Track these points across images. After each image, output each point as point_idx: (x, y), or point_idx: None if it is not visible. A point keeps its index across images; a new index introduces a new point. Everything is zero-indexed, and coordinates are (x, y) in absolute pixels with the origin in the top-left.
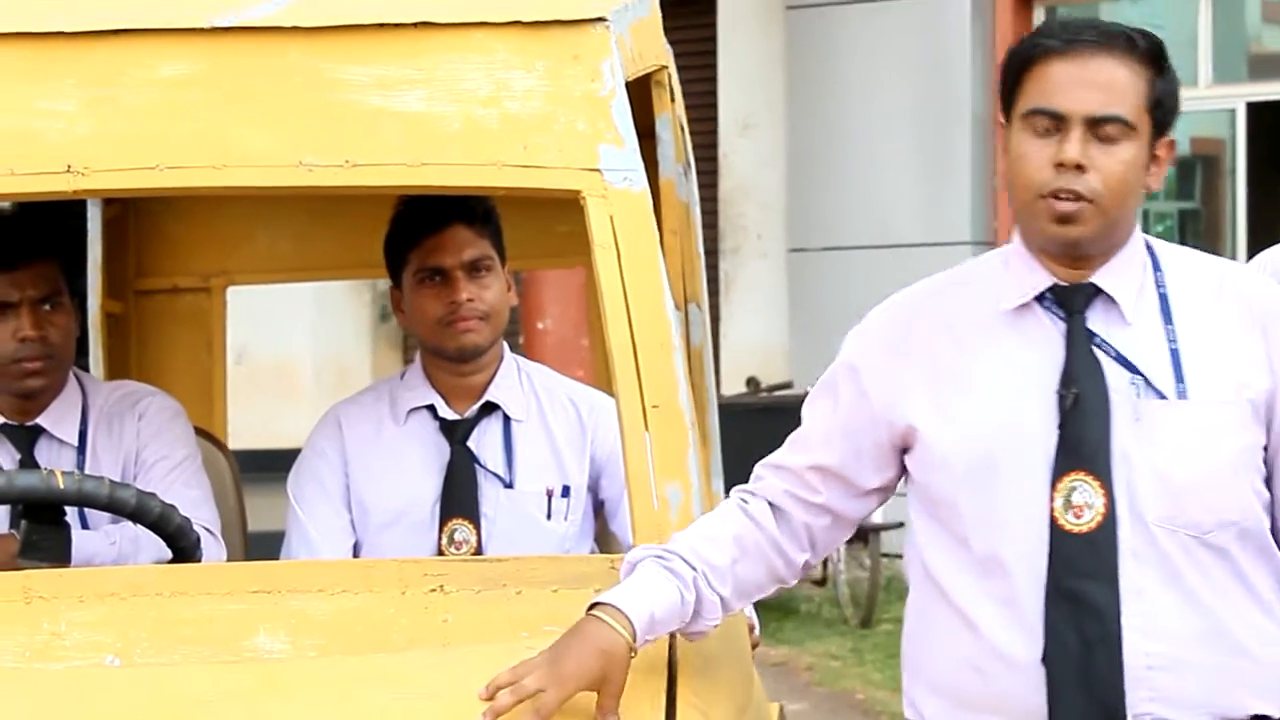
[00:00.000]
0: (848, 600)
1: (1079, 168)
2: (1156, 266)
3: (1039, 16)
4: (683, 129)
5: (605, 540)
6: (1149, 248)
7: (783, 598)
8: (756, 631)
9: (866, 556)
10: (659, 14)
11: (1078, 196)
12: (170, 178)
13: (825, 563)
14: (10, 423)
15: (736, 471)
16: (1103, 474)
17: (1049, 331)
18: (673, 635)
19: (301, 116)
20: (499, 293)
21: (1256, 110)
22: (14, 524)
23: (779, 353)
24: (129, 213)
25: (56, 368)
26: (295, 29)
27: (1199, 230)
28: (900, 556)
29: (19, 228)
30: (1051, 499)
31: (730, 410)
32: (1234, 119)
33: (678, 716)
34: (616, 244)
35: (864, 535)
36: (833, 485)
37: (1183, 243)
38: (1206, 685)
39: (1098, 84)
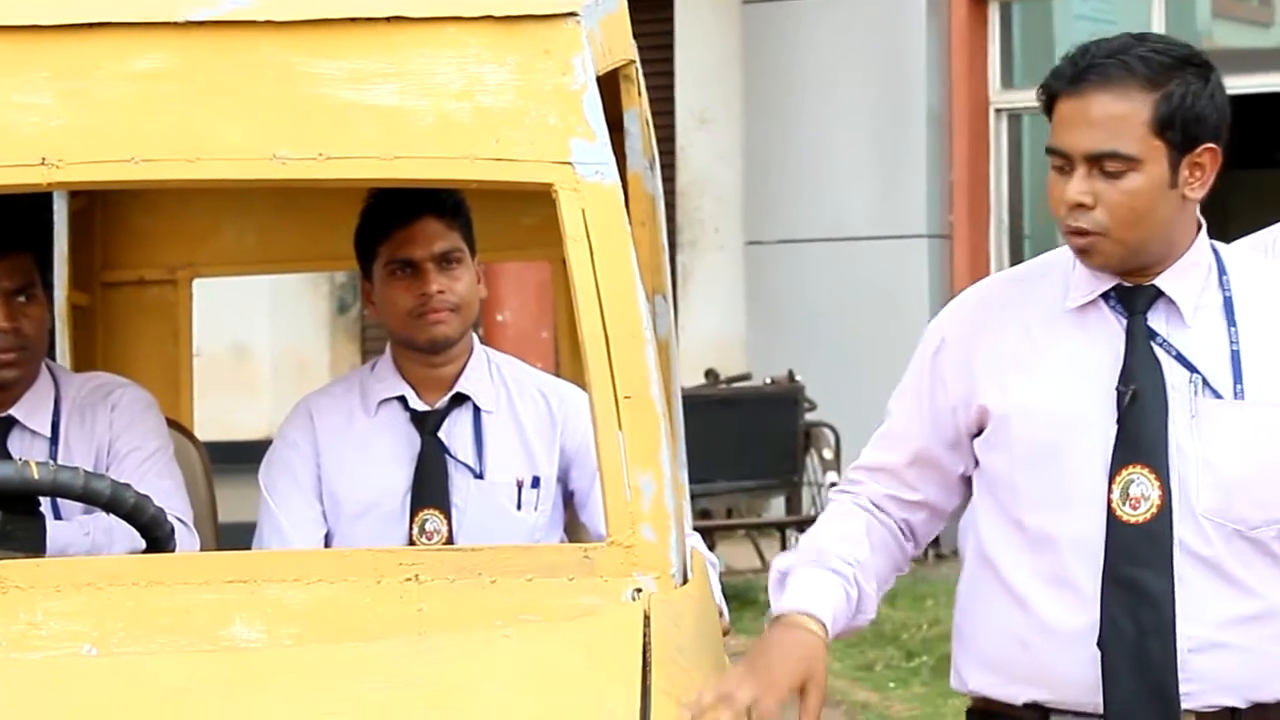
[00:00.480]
0: None
1: (1081, 205)
2: (1222, 270)
3: (994, 13)
4: (648, 123)
5: (574, 530)
6: (1215, 253)
7: (742, 588)
8: (726, 619)
9: None
10: (626, 9)
11: (1085, 232)
12: (144, 170)
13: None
14: None
15: (696, 462)
16: (1160, 468)
17: (1112, 329)
18: (646, 622)
19: (274, 110)
20: (469, 285)
21: None
22: None
23: (736, 344)
24: (95, 205)
25: (30, 359)
26: (268, 23)
27: None
28: None
29: None
30: (1110, 490)
31: (690, 402)
32: None
33: (652, 705)
34: (588, 236)
35: None
36: (929, 478)
37: None
38: (1242, 669)
39: (1095, 122)
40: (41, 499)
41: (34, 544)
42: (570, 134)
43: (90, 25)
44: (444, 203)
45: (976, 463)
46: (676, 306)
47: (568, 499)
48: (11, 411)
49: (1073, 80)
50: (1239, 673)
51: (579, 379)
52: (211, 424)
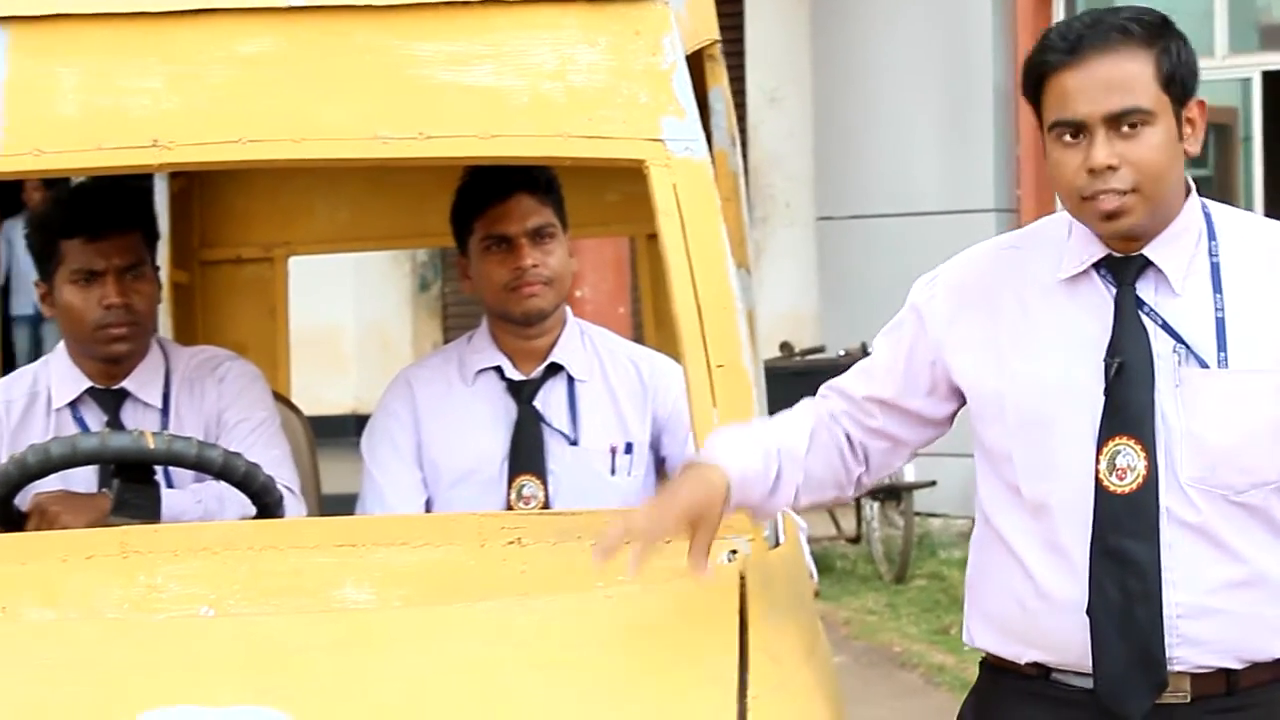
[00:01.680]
0: (882, 557)
1: (1111, 168)
2: (1212, 235)
3: None
4: (729, 102)
5: None
6: (1206, 215)
7: (818, 555)
8: (815, 580)
9: (899, 515)
10: None
11: (1118, 193)
12: (251, 151)
13: (859, 521)
14: (97, 386)
15: None
16: (1145, 438)
17: (1102, 299)
18: (743, 583)
19: (376, 91)
20: (562, 259)
21: (1271, 79)
22: (104, 484)
23: (809, 318)
24: (194, 186)
25: (141, 334)
26: (369, 7)
27: (1213, 195)
28: (932, 515)
29: (103, 200)
30: (1097, 460)
31: (767, 374)
32: (1249, 88)
33: (750, 661)
34: (680, 211)
35: (896, 494)
36: (890, 414)
37: None
38: (1233, 631)
39: (1108, 84)
40: (156, 468)
41: (150, 511)
42: (661, 111)
43: (198, 11)
44: (537, 180)
45: (946, 421)
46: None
47: (659, 465)
48: (124, 384)
49: (1069, 51)
50: (1230, 636)
51: (664, 349)
52: (297, 399)
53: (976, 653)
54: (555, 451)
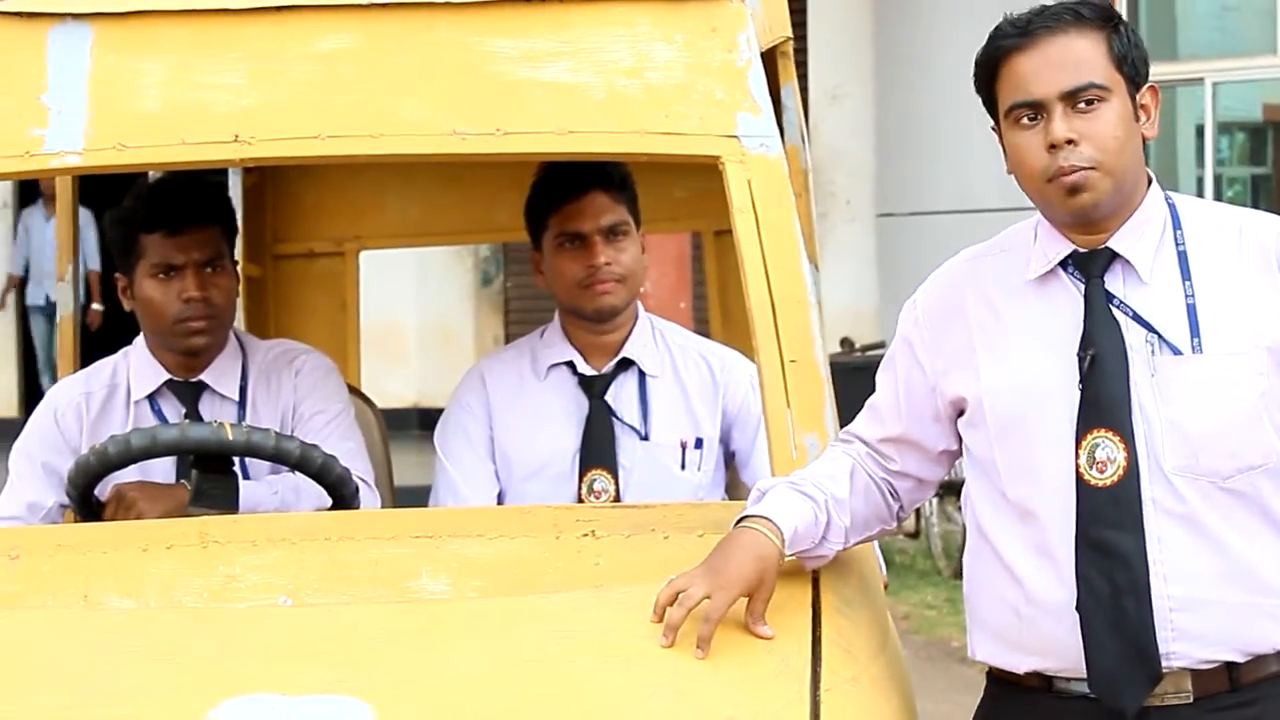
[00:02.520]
0: (940, 552)
1: (1070, 142)
2: (1176, 224)
3: None
4: (799, 100)
5: (735, 489)
6: (1170, 205)
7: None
8: (885, 574)
9: (957, 510)
10: None
11: (1079, 168)
12: (331, 146)
13: (918, 516)
14: (176, 379)
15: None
16: (1123, 430)
17: (1072, 296)
18: (816, 580)
19: (454, 87)
20: (634, 256)
21: None
22: (182, 475)
23: (869, 314)
24: (267, 181)
25: (219, 327)
26: (447, 4)
27: (1271, 194)
28: None
29: (183, 195)
30: (1077, 455)
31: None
32: None
33: (823, 654)
34: (754, 207)
35: (955, 489)
36: (906, 453)
37: (1255, 207)
38: (1228, 622)
39: (1062, 63)
40: (234, 459)
41: (228, 502)
42: (736, 108)
43: (279, 8)
44: (611, 177)
45: (960, 441)
46: None
47: (729, 459)
48: (202, 377)
49: (1021, 34)
50: (1227, 627)
51: (730, 344)
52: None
53: None
54: (626, 446)
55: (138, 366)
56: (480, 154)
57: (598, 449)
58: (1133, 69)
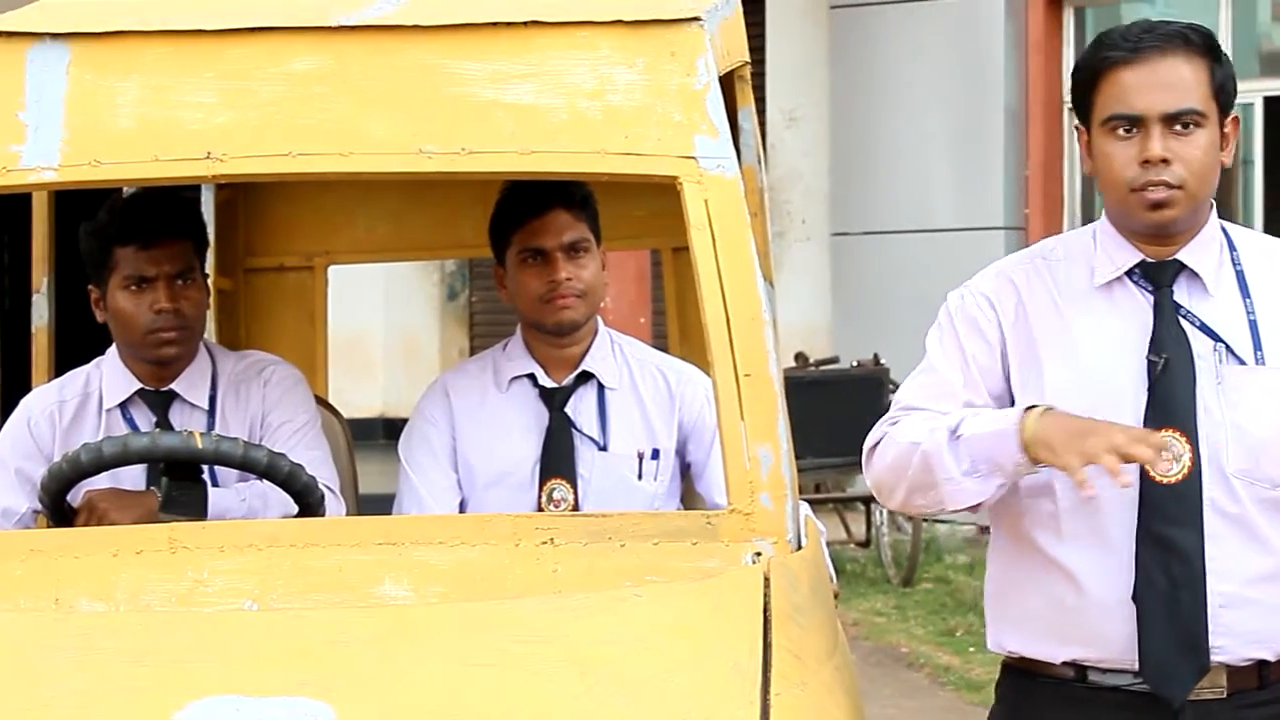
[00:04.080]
0: (890, 561)
1: (1164, 161)
2: (1231, 246)
3: (1068, 16)
4: (756, 122)
5: (691, 500)
6: (1223, 229)
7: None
8: (835, 583)
9: (907, 521)
10: (741, 14)
11: (1167, 186)
12: (300, 164)
13: (869, 526)
14: (147, 388)
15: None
16: (1190, 431)
17: (1139, 303)
18: (767, 584)
19: (420, 107)
20: (595, 272)
21: (1273, 104)
22: (152, 481)
23: (823, 330)
24: (239, 197)
25: (189, 338)
26: (415, 27)
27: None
28: (939, 521)
29: (155, 209)
30: None
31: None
32: (1250, 113)
33: (773, 660)
34: (711, 226)
35: None
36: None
37: None
38: (1269, 622)
39: (1168, 84)
40: (203, 467)
41: (197, 508)
42: (694, 130)
43: (251, 30)
44: (574, 195)
45: None
46: None
47: (685, 470)
48: (173, 386)
49: (1132, 50)
50: (1266, 627)
51: (688, 358)
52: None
53: (980, 653)
54: (585, 456)
55: (110, 376)
56: (446, 172)
57: (557, 459)
58: (1225, 99)
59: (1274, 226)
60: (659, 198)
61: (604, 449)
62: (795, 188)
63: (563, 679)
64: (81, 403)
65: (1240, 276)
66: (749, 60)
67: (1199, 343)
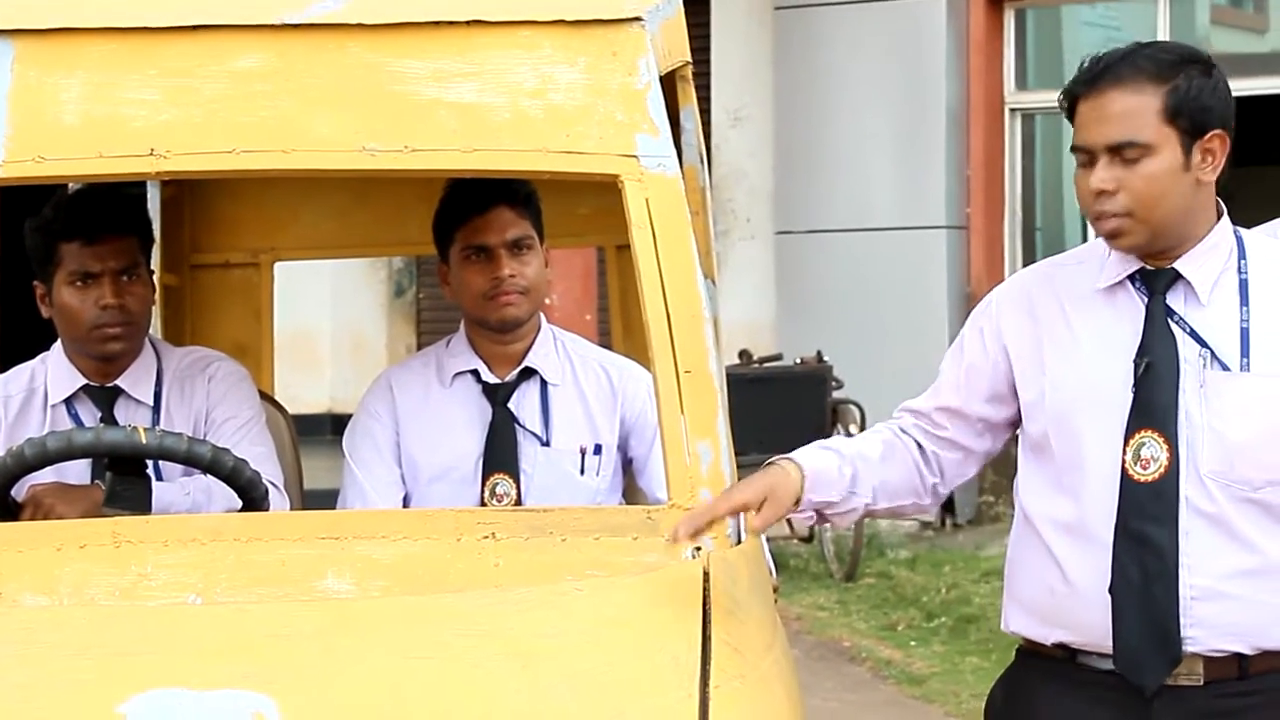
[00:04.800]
0: (833, 556)
1: (1105, 192)
2: (1242, 254)
3: (1009, 19)
4: (698, 121)
5: (632, 494)
6: (1238, 236)
7: (772, 554)
8: (775, 577)
9: None
10: (683, 14)
11: (1115, 215)
12: (244, 161)
13: None
14: (92, 384)
15: (734, 436)
16: (1169, 432)
17: (1135, 308)
18: (706, 578)
19: (363, 105)
20: (538, 269)
21: None
22: (97, 476)
23: (767, 327)
24: (185, 194)
25: (134, 334)
26: (358, 25)
27: None
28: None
29: (100, 205)
30: (1124, 452)
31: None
32: None
33: (712, 653)
34: (651, 224)
35: None
36: (957, 423)
37: None
38: (1243, 615)
39: (1111, 116)
40: (148, 462)
41: (141, 503)
42: (635, 129)
43: (195, 27)
44: (516, 193)
45: (1018, 424)
46: None
47: (626, 465)
48: (118, 382)
49: (1089, 82)
50: (1241, 620)
51: (631, 355)
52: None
53: (921, 647)
54: (528, 451)
55: (55, 371)
56: (389, 170)
57: (500, 454)
58: (1188, 120)
59: None
60: (602, 196)
61: (546, 444)
62: (740, 186)
63: (504, 672)
64: (26, 398)
65: (1243, 285)
66: (691, 60)
67: (1187, 348)
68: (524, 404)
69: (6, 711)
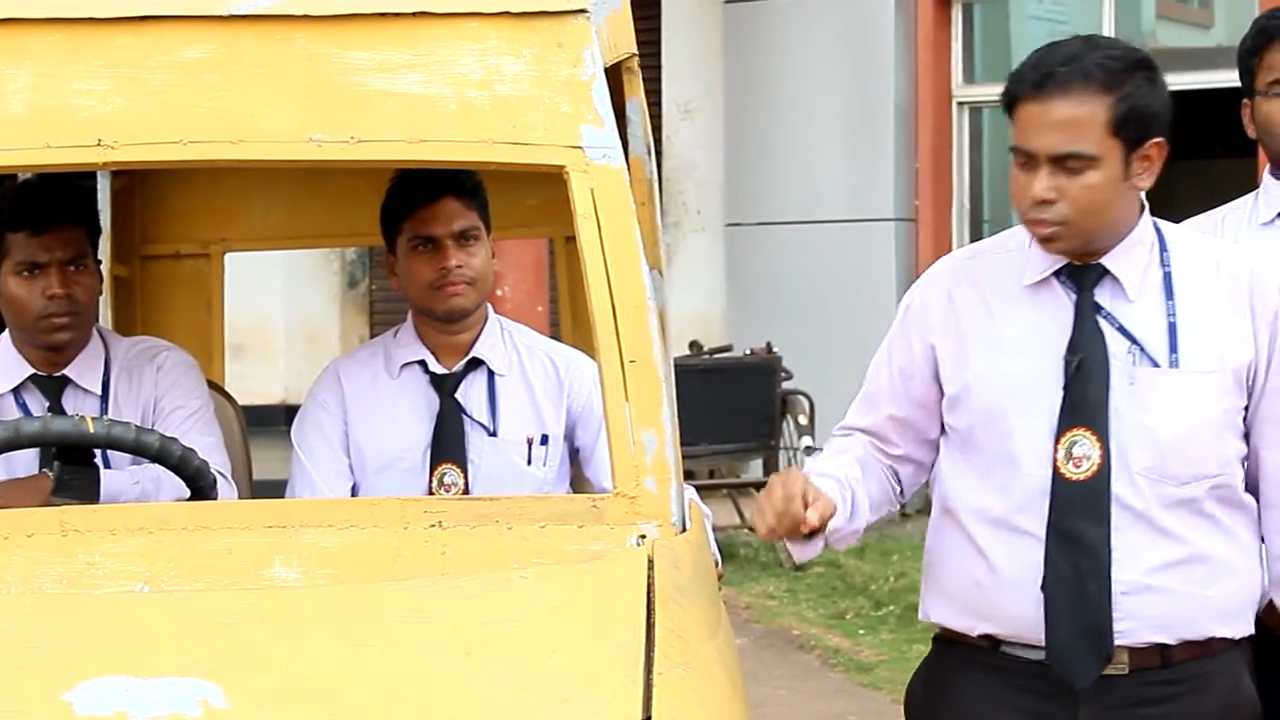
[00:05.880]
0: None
1: (1046, 201)
2: (1163, 247)
3: (957, 13)
4: (645, 113)
5: (579, 484)
6: (1157, 229)
7: (723, 543)
8: (720, 565)
9: None
10: (629, 6)
11: (1051, 223)
12: (191, 151)
13: None
14: (40, 373)
15: (681, 427)
16: (1100, 430)
17: (1063, 304)
18: (650, 566)
19: (310, 96)
20: (485, 260)
21: None
22: (45, 465)
23: (717, 318)
24: (135, 184)
25: (82, 324)
26: (305, 16)
27: None
28: None
29: (48, 195)
30: (1055, 450)
31: (676, 371)
32: None
33: (656, 640)
34: (596, 214)
35: None
36: (906, 435)
37: None
38: (1169, 608)
39: (1057, 125)
40: (95, 451)
41: (89, 492)
42: (580, 120)
43: (142, 18)
44: (463, 184)
45: (943, 423)
46: None
47: (573, 455)
48: (65, 371)
49: (1036, 85)
50: (1168, 613)
51: (580, 346)
52: (229, 390)
53: (869, 635)
54: (475, 442)
55: (2, 361)
56: (336, 160)
57: (448, 444)
58: (1133, 131)
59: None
60: (550, 187)
61: (494, 435)
62: (690, 178)
63: (449, 659)
64: None
65: (1167, 279)
66: (637, 52)
67: (1116, 344)
68: (471, 394)
69: None
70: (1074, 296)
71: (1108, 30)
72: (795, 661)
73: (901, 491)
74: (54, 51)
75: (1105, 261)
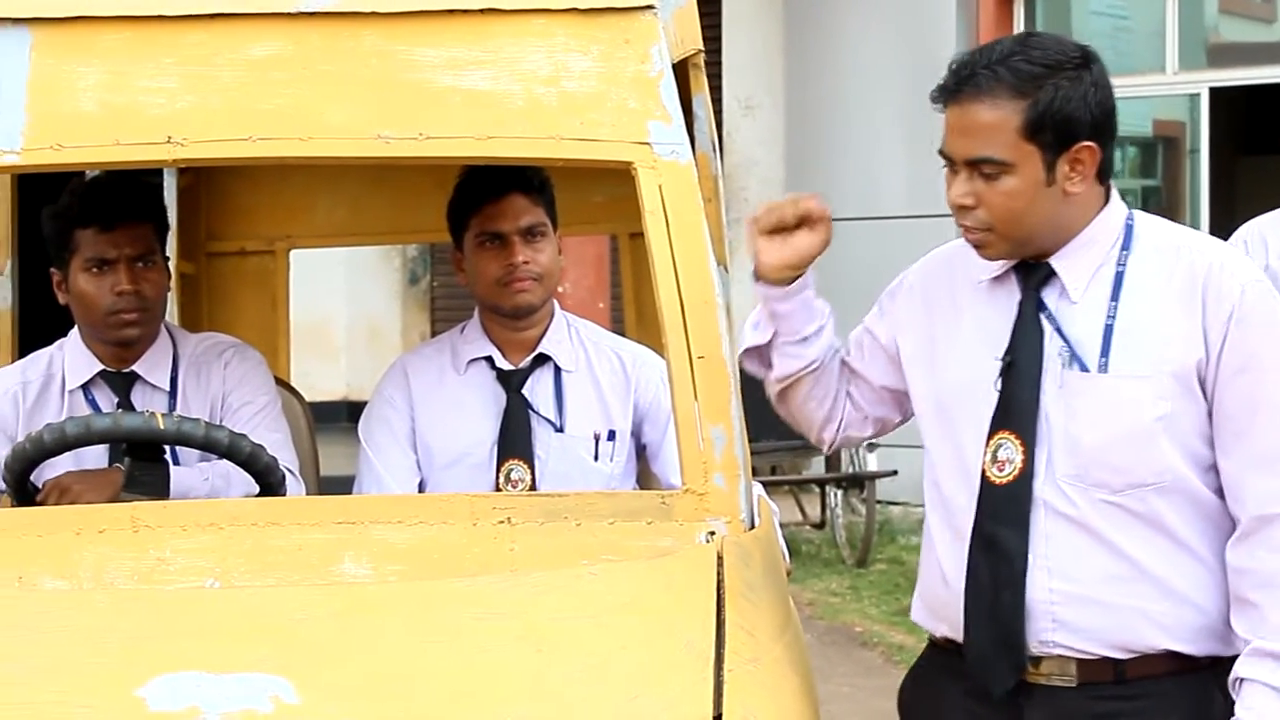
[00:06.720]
0: (845, 542)
1: (964, 207)
2: (1126, 245)
3: (1019, 7)
4: (709, 109)
5: (646, 480)
6: (1128, 225)
7: (785, 539)
8: (788, 561)
9: (861, 502)
10: (695, 3)
11: (974, 229)
12: (260, 148)
13: (824, 507)
14: (109, 369)
15: (746, 423)
16: (1025, 433)
17: (1013, 301)
18: (720, 562)
19: (379, 93)
20: (551, 256)
21: (1218, 95)
22: (115, 461)
23: None
24: (201, 182)
25: (150, 319)
26: (373, 14)
27: (1160, 205)
28: (893, 504)
29: (116, 192)
30: (985, 453)
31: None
32: (1197, 103)
33: (726, 636)
34: (665, 210)
35: (859, 482)
36: (871, 360)
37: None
38: (1109, 620)
39: (970, 130)
40: (165, 447)
41: (159, 488)
42: (648, 116)
43: (212, 16)
44: (530, 180)
45: (897, 413)
46: None
47: (640, 451)
48: (134, 367)
49: (953, 90)
50: (1110, 626)
51: (644, 342)
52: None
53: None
54: (542, 438)
55: (72, 357)
56: (404, 157)
57: (514, 440)
58: (1051, 135)
59: (1220, 216)
60: (616, 184)
61: (560, 430)
62: (752, 175)
63: (519, 655)
64: (44, 384)
65: (1118, 279)
66: (703, 49)
67: (1052, 345)
68: (538, 390)
69: (26, 694)
70: (1019, 295)
71: (1171, 25)
72: (858, 659)
73: (839, 426)
74: (124, 49)
75: (1052, 261)
